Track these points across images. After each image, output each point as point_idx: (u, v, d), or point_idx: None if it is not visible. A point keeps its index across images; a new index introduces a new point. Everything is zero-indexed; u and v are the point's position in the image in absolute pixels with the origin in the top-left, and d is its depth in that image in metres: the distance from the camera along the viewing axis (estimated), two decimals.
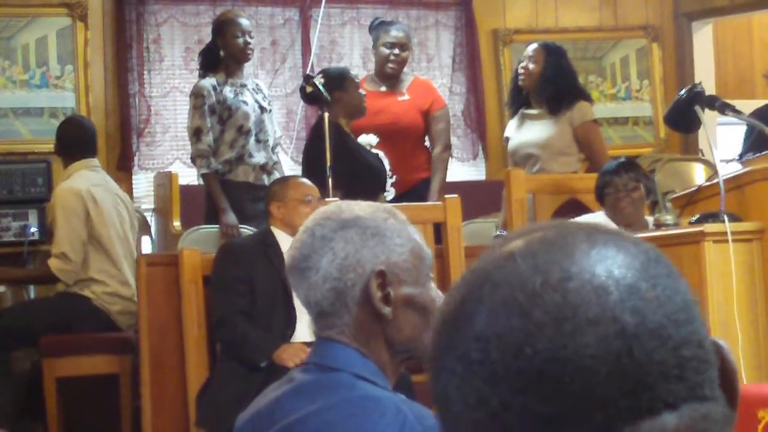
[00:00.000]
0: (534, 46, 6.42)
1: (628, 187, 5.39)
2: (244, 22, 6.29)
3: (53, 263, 5.87)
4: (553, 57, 6.32)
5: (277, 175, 6.24)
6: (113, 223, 6.00)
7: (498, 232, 6.46)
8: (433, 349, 0.95)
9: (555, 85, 6.25)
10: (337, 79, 6.03)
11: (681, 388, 0.89)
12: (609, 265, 0.91)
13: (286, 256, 2.11)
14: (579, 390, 0.87)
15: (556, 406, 0.88)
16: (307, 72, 6.77)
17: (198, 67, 6.41)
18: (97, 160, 6.20)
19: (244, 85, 6.27)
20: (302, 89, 5.99)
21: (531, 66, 6.30)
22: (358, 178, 5.83)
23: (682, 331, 0.90)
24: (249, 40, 6.24)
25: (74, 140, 6.12)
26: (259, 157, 6.22)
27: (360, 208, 2.09)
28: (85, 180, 5.98)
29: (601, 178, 5.50)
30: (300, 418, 1.96)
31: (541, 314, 0.89)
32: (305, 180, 5.34)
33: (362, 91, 6.16)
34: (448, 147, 6.73)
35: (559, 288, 0.89)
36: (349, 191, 5.47)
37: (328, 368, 2.00)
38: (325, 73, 6.10)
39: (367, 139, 6.16)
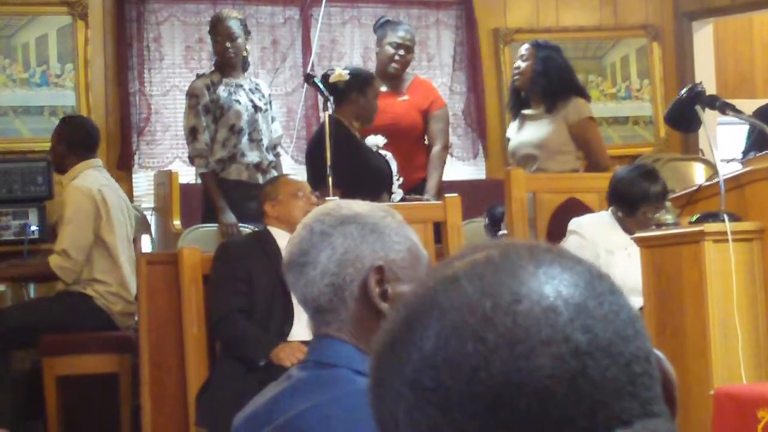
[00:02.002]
0: (525, 45, 6.48)
1: (661, 207, 5.16)
2: (231, 25, 6.27)
3: (53, 260, 5.86)
4: (544, 52, 6.34)
5: (274, 173, 6.26)
6: (120, 224, 6.01)
7: (501, 232, 6.47)
8: (377, 372, 0.95)
9: (546, 78, 6.26)
10: (361, 82, 6.06)
11: (634, 405, 0.89)
12: (556, 285, 0.91)
13: (284, 253, 2.10)
14: (536, 412, 0.87)
15: (513, 429, 0.87)
16: (308, 71, 6.76)
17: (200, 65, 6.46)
18: (100, 160, 6.20)
19: (240, 85, 6.28)
20: (325, 77, 6.00)
21: (523, 64, 6.33)
22: (360, 179, 5.84)
23: (631, 347, 0.91)
24: (228, 45, 6.24)
25: (82, 140, 6.09)
26: (252, 156, 6.23)
27: (359, 205, 2.10)
28: (94, 180, 5.98)
29: (636, 187, 5.24)
30: (299, 413, 1.95)
31: (495, 338, 0.88)
32: (295, 176, 5.39)
33: (377, 104, 6.15)
34: (446, 146, 6.73)
35: (510, 311, 0.89)
36: (349, 191, 5.47)
37: (327, 365, 2.00)
38: (352, 72, 6.11)
39: (375, 141, 6.17)
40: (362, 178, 5.86)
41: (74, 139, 6.07)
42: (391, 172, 6.14)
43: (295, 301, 4.87)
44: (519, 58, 6.41)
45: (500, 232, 6.26)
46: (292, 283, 2.07)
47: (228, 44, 6.24)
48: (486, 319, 0.89)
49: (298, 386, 2.00)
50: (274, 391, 2.05)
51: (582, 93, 6.48)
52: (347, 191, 5.41)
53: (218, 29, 6.28)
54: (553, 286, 0.91)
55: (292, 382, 2.02)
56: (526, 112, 6.39)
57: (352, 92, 6.01)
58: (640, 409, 0.90)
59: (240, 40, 6.29)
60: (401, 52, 6.54)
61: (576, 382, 0.87)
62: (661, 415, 0.92)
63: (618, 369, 0.89)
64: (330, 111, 5.81)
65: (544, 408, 0.87)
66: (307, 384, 2.00)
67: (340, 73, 5.98)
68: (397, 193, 6.16)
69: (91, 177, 5.99)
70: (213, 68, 6.43)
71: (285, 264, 2.08)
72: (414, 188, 6.39)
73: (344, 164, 5.71)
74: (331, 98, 5.84)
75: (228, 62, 6.27)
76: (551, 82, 6.25)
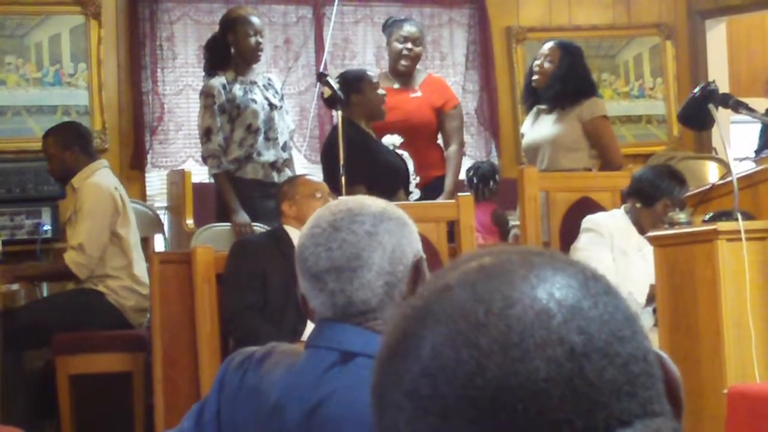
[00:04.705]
0: (550, 44, 6.40)
1: (681, 208, 5.10)
2: (256, 21, 6.27)
3: (69, 256, 5.86)
4: (569, 56, 6.31)
5: (288, 172, 6.25)
6: (134, 222, 6.03)
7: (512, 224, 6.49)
8: (377, 385, 0.95)
9: (562, 83, 6.24)
10: (353, 82, 6.04)
11: (634, 405, 0.90)
12: (549, 288, 0.91)
13: (317, 258, 2.00)
14: (533, 415, 0.87)
15: None
16: (320, 70, 6.76)
17: (205, 62, 6.41)
18: (107, 161, 6.24)
19: (254, 83, 6.26)
20: (321, 95, 6.00)
21: (546, 65, 6.29)
22: (376, 177, 5.84)
23: (628, 347, 0.91)
24: (260, 40, 6.24)
25: (90, 142, 6.14)
26: (269, 155, 6.22)
27: (372, 201, 2.07)
28: (110, 179, 6.01)
29: (662, 180, 5.26)
30: (325, 397, 1.95)
31: (488, 343, 0.88)
32: (313, 177, 5.39)
33: (381, 92, 6.12)
34: (461, 145, 6.73)
35: (503, 315, 0.89)
36: (369, 189, 5.50)
37: (349, 353, 1.97)
38: (342, 77, 6.11)
39: (391, 140, 6.17)
40: (377, 176, 5.87)
41: (83, 142, 6.08)
42: (407, 169, 6.14)
43: None
44: (542, 56, 6.34)
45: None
46: (337, 289, 1.98)
47: (260, 39, 6.23)
48: (479, 325, 0.89)
49: (316, 368, 1.99)
50: (302, 369, 2.03)
51: (597, 92, 6.48)
52: (368, 189, 5.46)
53: (245, 26, 6.18)
54: (545, 288, 0.91)
55: (313, 364, 2.00)
56: (540, 107, 6.38)
57: (349, 95, 5.98)
58: (640, 409, 0.90)
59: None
60: (408, 45, 6.53)
61: (573, 383, 0.87)
62: (663, 414, 0.92)
63: (615, 369, 0.89)
64: (340, 110, 5.82)
65: (541, 410, 0.87)
66: (331, 368, 1.98)
67: (325, 90, 5.92)
68: (415, 193, 6.16)
69: (107, 176, 6.02)
70: (228, 67, 6.35)
71: (323, 270, 1.99)
72: (427, 186, 6.38)
73: (359, 163, 5.72)
74: (343, 97, 5.83)
75: (255, 59, 6.25)
76: (566, 88, 6.23)
